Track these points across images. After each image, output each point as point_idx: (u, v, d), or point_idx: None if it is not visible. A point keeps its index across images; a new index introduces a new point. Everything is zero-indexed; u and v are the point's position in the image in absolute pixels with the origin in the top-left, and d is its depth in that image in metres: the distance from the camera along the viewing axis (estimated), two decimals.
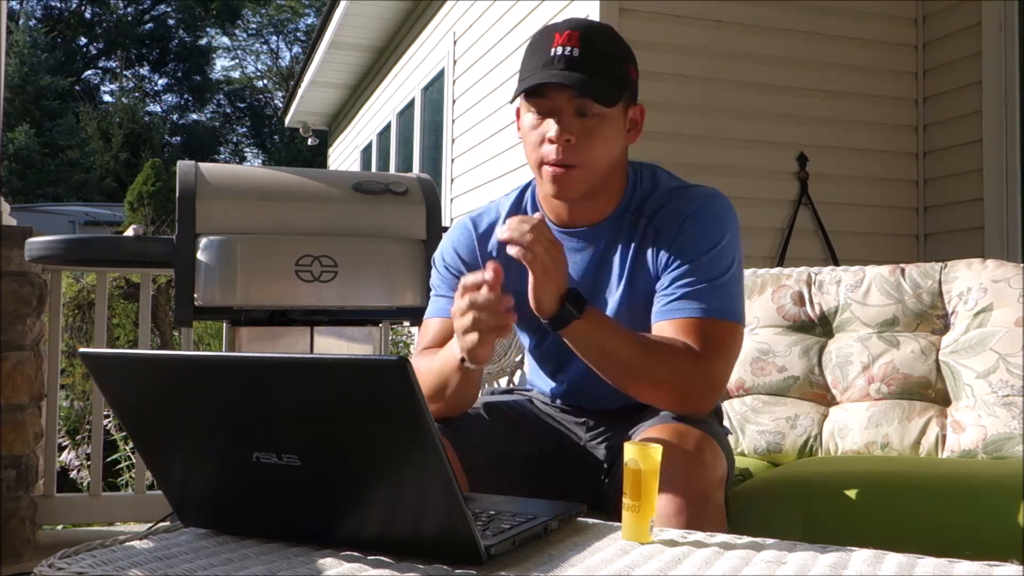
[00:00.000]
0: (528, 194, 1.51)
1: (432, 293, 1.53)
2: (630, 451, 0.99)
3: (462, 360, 1.27)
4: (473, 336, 1.21)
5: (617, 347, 1.29)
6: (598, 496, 1.45)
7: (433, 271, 1.55)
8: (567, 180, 1.35)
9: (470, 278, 1.21)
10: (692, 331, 1.31)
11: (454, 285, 1.35)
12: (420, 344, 1.49)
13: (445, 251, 1.53)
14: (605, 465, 1.45)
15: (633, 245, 1.41)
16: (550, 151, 1.34)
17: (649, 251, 1.39)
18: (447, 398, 1.36)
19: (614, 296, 1.41)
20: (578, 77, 1.31)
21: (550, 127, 1.34)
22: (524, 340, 1.57)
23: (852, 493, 1.49)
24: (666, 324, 1.33)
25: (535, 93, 1.35)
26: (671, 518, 1.16)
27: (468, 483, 1.35)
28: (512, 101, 1.40)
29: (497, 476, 1.39)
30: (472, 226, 1.52)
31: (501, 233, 1.25)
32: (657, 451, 0.99)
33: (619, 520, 1.37)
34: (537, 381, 1.58)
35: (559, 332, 1.27)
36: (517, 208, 1.51)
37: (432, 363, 1.36)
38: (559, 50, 1.33)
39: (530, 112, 1.37)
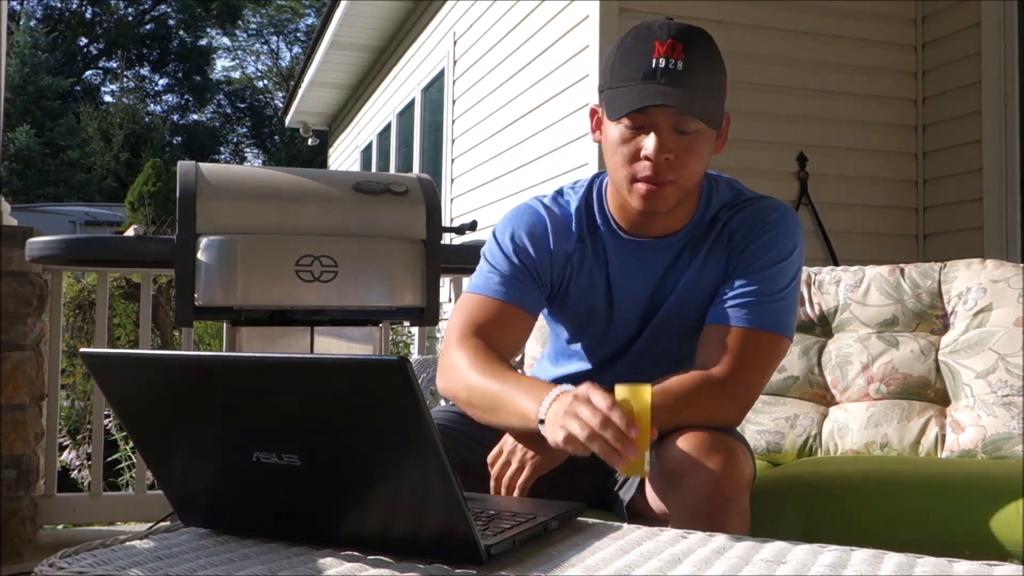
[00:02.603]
0: (596, 196, 1.45)
1: (487, 267, 1.44)
2: (621, 392, 1.04)
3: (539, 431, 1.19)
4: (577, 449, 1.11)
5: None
6: (603, 496, 1.46)
7: (494, 246, 1.45)
8: (660, 197, 1.31)
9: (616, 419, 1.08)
10: (737, 340, 1.32)
11: (519, 272, 1.40)
12: (469, 319, 1.39)
13: (517, 234, 1.43)
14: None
15: (705, 247, 1.39)
16: (645, 167, 1.29)
17: (719, 253, 1.39)
18: (477, 415, 1.32)
19: (678, 291, 1.40)
20: (686, 96, 1.25)
21: (647, 144, 1.28)
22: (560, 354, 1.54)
23: (852, 493, 1.49)
24: (715, 328, 1.34)
25: (639, 111, 1.27)
26: (700, 518, 1.15)
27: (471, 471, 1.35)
28: (614, 118, 1.31)
29: (487, 474, 1.39)
30: (547, 218, 1.44)
31: None
32: (647, 390, 1.04)
33: (623, 520, 1.37)
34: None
35: None
36: (585, 210, 1.45)
37: (491, 384, 1.28)
38: (661, 62, 1.25)
39: (622, 125, 1.30)
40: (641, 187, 1.31)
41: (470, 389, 1.31)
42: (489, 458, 1.29)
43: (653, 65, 1.26)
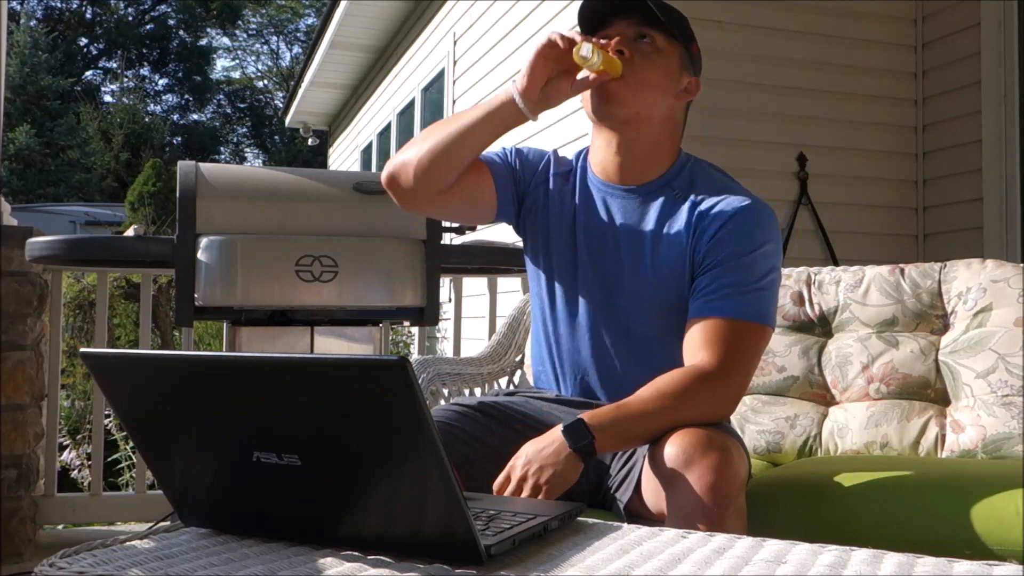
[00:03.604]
0: (580, 159, 1.56)
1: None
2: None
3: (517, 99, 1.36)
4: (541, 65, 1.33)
5: (646, 426, 1.28)
6: (600, 496, 1.46)
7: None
8: (611, 91, 1.39)
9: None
10: (722, 331, 1.34)
11: (504, 164, 1.53)
12: None
13: (521, 148, 1.58)
14: (607, 463, 1.45)
15: (673, 218, 1.43)
16: (608, 61, 1.37)
17: (688, 230, 1.41)
18: (441, 143, 1.42)
19: (645, 260, 1.44)
20: (644, 7, 1.37)
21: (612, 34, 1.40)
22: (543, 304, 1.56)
23: (852, 493, 1.49)
24: (699, 322, 1.36)
25: (600, 24, 1.41)
26: (696, 517, 1.16)
27: (471, 467, 1.36)
28: (583, 33, 1.40)
29: (489, 471, 1.40)
30: (552, 156, 1.58)
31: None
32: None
33: (620, 520, 1.37)
34: (542, 365, 1.58)
35: (593, 456, 1.25)
36: (568, 168, 1.56)
37: (457, 116, 1.44)
38: None
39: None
40: (601, 87, 1.39)
41: (436, 130, 1.45)
42: (496, 484, 1.27)
43: None
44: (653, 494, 1.28)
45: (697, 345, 1.35)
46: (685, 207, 1.43)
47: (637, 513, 1.36)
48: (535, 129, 4.15)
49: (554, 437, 1.25)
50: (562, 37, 1.33)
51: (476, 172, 1.49)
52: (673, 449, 1.23)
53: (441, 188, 1.45)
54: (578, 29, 1.39)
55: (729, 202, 1.41)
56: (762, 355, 1.43)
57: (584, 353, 1.50)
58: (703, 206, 1.42)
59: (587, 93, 1.42)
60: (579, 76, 1.36)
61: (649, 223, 1.45)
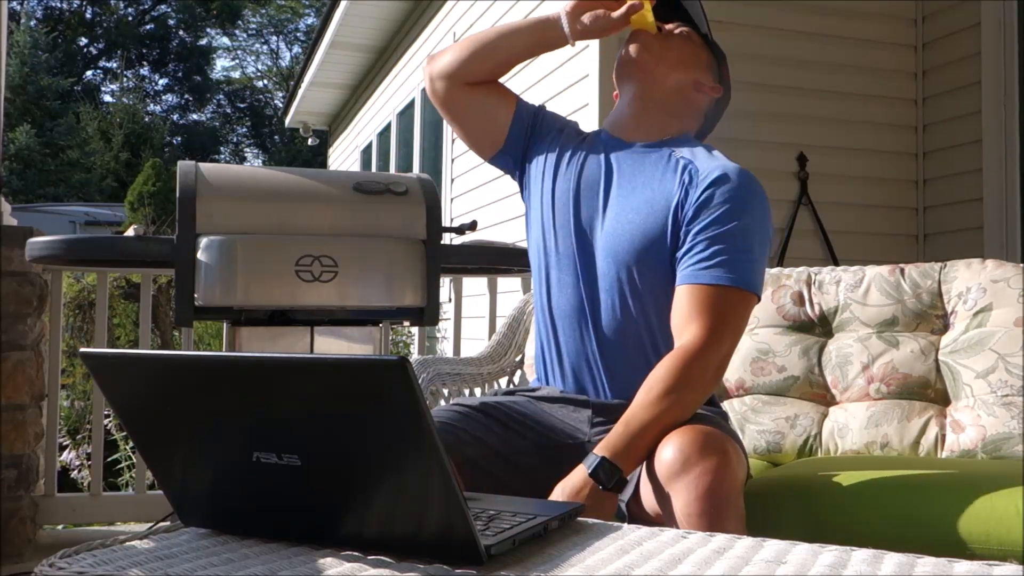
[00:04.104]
0: (597, 131, 1.64)
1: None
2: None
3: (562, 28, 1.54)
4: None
5: (658, 431, 1.28)
6: None
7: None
8: (644, 38, 1.54)
9: None
10: (710, 298, 1.36)
11: (528, 107, 1.64)
12: None
13: (552, 112, 1.68)
14: None
15: (665, 172, 1.48)
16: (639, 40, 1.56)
17: (676, 184, 1.45)
18: (483, 39, 1.58)
19: (630, 204, 1.49)
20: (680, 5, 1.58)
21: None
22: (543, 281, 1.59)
23: (852, 493, 1.49)
24: (688, 289, 1.38)
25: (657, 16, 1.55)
26: (694, 518, 1.16)
27: (474, 467, 1.36)
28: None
29: (489, 471, 1.40)
30: (574, 124, 1.67)
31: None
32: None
33: (621, 520, 1.37)
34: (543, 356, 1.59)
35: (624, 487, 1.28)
36: (584, 134, 1.64)
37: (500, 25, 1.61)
38: None
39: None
40: (641, 37, 1.56)
41: (468, 37, 1.61)
42: None
43: None
44: (651, 496, 1.28)
45: (687, 314, 1.36)
46: (679, 164, 1.48)
47: (635, 515, 1.36)
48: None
49: (583, 480, 1.24)
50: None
51: (503, 93, 1.64)
52: (671, 452, 1.23)
53: (471, 79, 1.60)
54: None
55: (720, 165, 1.46)
56: (746, 322, 1.43)
57: (572, 296, 1.52)
58: (697, 165, 1.47)
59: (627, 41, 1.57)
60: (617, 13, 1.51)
61: (639, 172, 1.51)
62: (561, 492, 1.26)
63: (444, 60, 1.61)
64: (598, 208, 1.51)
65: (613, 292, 1.47)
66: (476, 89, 1.61)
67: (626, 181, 1.51)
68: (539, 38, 1.57)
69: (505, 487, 1.35)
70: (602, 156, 1.55)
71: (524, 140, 1.62)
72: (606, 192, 1.52)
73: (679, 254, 1.41)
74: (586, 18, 1.51)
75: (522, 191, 1.67)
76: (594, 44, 3.54)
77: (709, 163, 1.46)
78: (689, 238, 1.40)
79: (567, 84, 3.82)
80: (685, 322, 1.36)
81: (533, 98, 4.28)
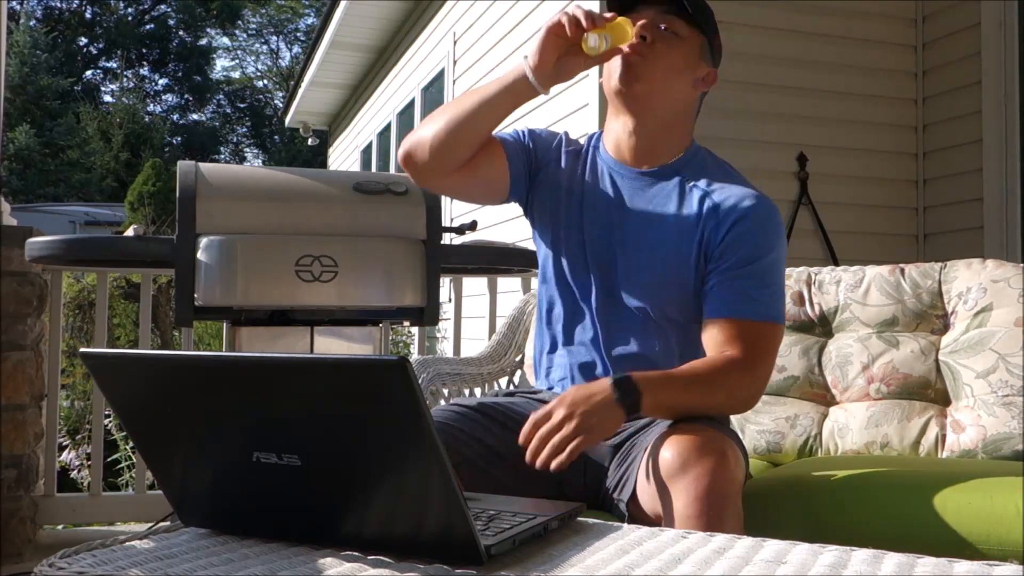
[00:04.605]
0: (592, 140, 1.59)
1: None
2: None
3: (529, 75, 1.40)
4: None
5: (684, 400, 1.34)
6: (598, 496, 1.45)
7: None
8: (634, 68, 1.43)
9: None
10: (748, 332, 1.39)
11: (517, 143, 1.55)
12: None
13: (533, 128, 1.62)
14: (606, 464, 1.45)
15: (683, 202, 1.47)
16: (633, 41, 1.42)
17: (698, 218, 1.44)
18: (456, 118, 1.45)
19: (650, 238, 1.47)
20: None
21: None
22: (554, 305, 1.57)
23: (852, 493, 1.49)
24: (724, 321, 1.40)
25: (629, 8, 1.45)
26: (692, 519, 1.16)
27: (472, 467, 1.36)
28: (611, 10, 1.43)
29: (487, 472, 1.39)
30: (564, 136, 1.61)
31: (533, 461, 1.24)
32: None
33: (620, 520, 1.37)
34: (545, 362, 1.59)
35: (637, 412, 1.29)
36: (580, 147, 1.59)
37: (471, 91, 1.46)
38: None
39: None
40: (619, 61, 1.44)
41: (436, 115, 1.47)
42: (535, 418, 1.26)
43: None
44: (650, 497, 1.28)
45: (722, 341, 1.39)
46: (696, 194, 1.46)
47: (634, 516, 1.36)
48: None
49: (603, 387, 1.27)
50: (570, 22, 1.35)
51: (490, 149, 1.52)
52: (669, 452, 1.23)
53: (457, 164, 1.48)
54: (583, 10, 1.39)
55: (742, 198, 1.44)
56: (777, 352, 1.48)
57: (586, 330, 1.51)
58: (716, 196, 1.45)
59: (608, 69, 1.48)
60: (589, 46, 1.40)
61: (656, 204, 1.48)
62: (575, 391, 1.27)
63: (423, 156, 1.47)
64: (614, 241, 1.49)
65: (634, 322, 1.48)
66: (464, 167, 1.50)
67: (641, 213, 1.49)
68: (512, 100, 1.44)
69: (503, 487, 1.35)
70: (610, 185, 1.52)
71: (527, 180, 1.57)
72: (621, 224, 1.49)
73: (707, 287, 1.43)
74: (551, 71, 1.39)
75: (529, 217, 1.61)
76: None
77: (726, 192, 1.45)
78: (717, 275, 1.42)
79: (567, 84, 3.81)
80: (720, 347, 1.40)
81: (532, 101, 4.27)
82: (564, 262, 1.54)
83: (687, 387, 1.34)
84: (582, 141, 1.61)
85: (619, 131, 1.52)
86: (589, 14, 1.35)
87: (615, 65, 1.46)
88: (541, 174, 1.56)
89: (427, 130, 1.47)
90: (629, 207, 1.50)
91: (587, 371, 1.51)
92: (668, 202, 1.48)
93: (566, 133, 1.63)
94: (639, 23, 1.43)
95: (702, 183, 1.47)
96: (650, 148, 1.50)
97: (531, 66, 1.39)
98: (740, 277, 1.41)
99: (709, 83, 1.51)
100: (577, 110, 3.70)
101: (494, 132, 1.52)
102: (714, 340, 1.40)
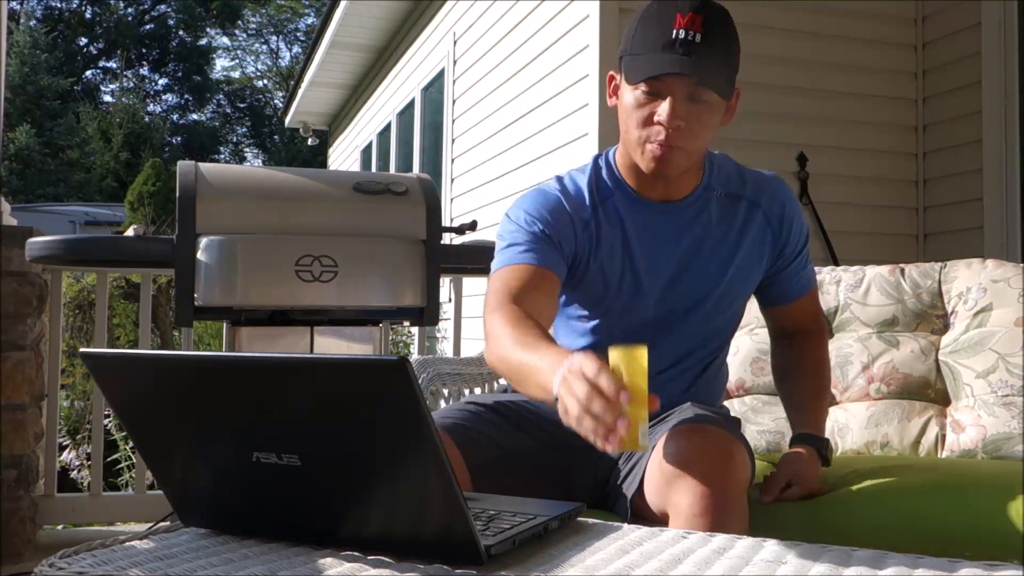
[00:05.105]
0: (604, 165, 1.51)
1: (506, 244, 1.44)
2: (615, 356, 0.93)
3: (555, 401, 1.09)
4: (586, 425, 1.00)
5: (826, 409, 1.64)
6: (605, 493, 1.45)
7: (510, 225, 1.45)
8: (669, 160, 1.37)
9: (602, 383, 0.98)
10: (812, 301, 1.63)
11: (540, 239, 1.41)
12: (503, 288, 1.38)
13: (533, 208, 1.44)
14: (616, 458, 1.45)
15: (736, 224, 1.50)
16: (658, 132, 1.36)
17: (758, 232, 1.51)
18: (506, 378, 1.38)
19: (715, 265, 1.49)
20: (701, 67, 1.32)
21: (662, 109, 1.34)
22: (574, 326, 1.54)
23: (852, 493, 1.49)
24: (801, 301, 1.60)
25: (654, 78, 1.35)
26: (697, 518, 1.16)
27: (472, 482, 1.34)
28: (632, 83, 1.36)
29: (502, 474, 1.39)
30: (560, 194, 1.47)
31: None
32: (642, 354, 0.92)
33: (624, 514, 1.37)
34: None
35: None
36: (596, 180, 1.49)
37: (521, 356, 1.22)
38: (681, 33, 1.32)
39: (638, 90, 1.36)
40: (653, 149, 1.37)
41: (503, 360, 1.30)
42: (772, 486, 1.44)
43: (673, 36, 1.32)
44: (656, 494, 1.28)
45: (803, 315, 1.61)
46: (741, 207, 1.50)
47: (639, 511, 1.36)
48: (540, 153, 4.16)
49: (815, 459, 1.47)
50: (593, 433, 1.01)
51: (547, 284, 1.40)
52: (675, 449, 1.23)
53: None
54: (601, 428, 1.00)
55: (780, 194, 1.54)
56: None
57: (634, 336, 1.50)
58: (764, 203, 1.51)
59: (634, 140, 1.39)
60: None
61: (713, 229, 1.49)
62: (799, 469, 1.45)
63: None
64: (681, 284, 1.47)
65: (683, 343, 1.52)
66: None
67: (705, 249, 1.47)
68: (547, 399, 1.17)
69: (509, 484, 1.35)
70: (656, 227, 1.46)
71: (567, 264, 1.46)
72: (685, 267, 1.47)
73: (780, 276, 1.56)
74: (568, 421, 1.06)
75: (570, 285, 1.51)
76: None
77: (765, 194, 1.52)
78: (789, 261, 1.55)
79: (567, 84, 3.82)
80: (811, 320, 1.62)
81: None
82: (603, 319, 1.50)
83: (825, 398, 1.62)
84: (576, 178, 1.49)
85: (642, 175, 1.45)
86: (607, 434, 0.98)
87: (644, 144, 1.38)
88: (580, 260, 1.47)
89: (489, 353, 1.35)
90: (693, 243, 1.48)
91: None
92: (726, 231, 1.49)
93: (559, 188, 1.48)
94: (668, 117, 1.33)
95: (747, 195, 1.51)
96: (679, 181, 1.46)
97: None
98: (805, 257, 1.57)
99: (735, 104, 1.46)
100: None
101: (533, 262, 1.39)
102: (804, 314, 1.61)
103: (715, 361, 1.57)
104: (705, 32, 1.32)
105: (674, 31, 1.32)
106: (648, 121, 1.37)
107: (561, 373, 1.04)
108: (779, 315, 1.63)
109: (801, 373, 1.60)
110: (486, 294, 1.42)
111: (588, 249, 1.46)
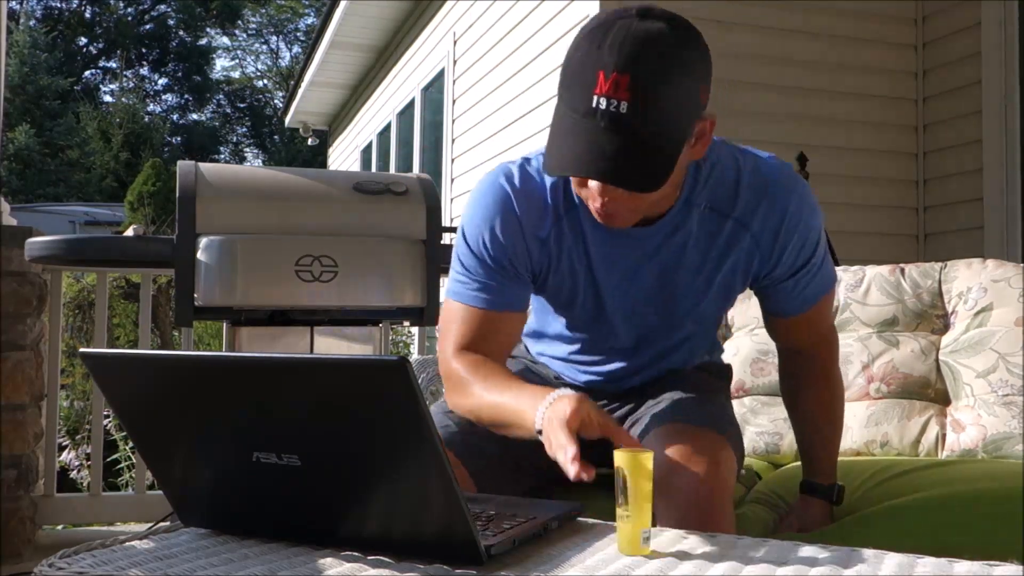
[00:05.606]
0: (563, 196, 1.32)
1: (460, 269, 1.34)
2: (620, 458, 0.95)
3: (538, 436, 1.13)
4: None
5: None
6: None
7: (463, 246, 1.34)
8: (613, 221, 1.21)
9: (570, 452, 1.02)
10: (818, 315, 1.42)
11: (495, 273, 1.30)
12: (460, 334, 1.33)
13: (486, 228, 1.31)
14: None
15: (719, 242, 1.31)
16: (594, 199, 1.19)
17: (743, 254, 1.31)
18: (487, 427, 1.30)
19: (692, 292, 1.35)
20: (622, 162, 1.09)
21: (591, 186, 1.17)
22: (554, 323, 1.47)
23: (852, 494, 1.49)
24: (800, 318, 1.40)
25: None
26: (688, 524, 1.15)
27: (476, 485, 1.34)
28: (545, 168, 1.18)
29: (507, 468, 1.37)
30: (515, 201, 1.30)
31: None
32: (648, 458, 0.95)
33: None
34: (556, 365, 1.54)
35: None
36: (563, 185, 1.30)
37: (494, 399, 1.23)
38: (603, 102, 1.07)
39: None
40: (596, 208, 1.20)
41: (476, 409, 1.29)
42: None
43: (593, 104, 1.08)
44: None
45: (817, 336, 1.45)
46: (727, 226, 1.30)
47: None
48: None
49: (824, 509, 1.46)
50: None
51: (507, 324, 1.35)
52: (664, 455, 1.22)
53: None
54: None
55: (777, 206, 1.30)
56: None
57: (613, 357, 1.47)
58: (758, 228, 1.30)
59: (583, 193, 1.22)
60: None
61: (691, 247, 1.32)
62: (803, 517, 1.44)
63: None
64: (637, 304, 1.37)
65: (669, 343, 1.46)
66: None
67: (679, 268, 1.33)
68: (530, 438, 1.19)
69: (518, 478, 1.35)
70: (625, 245, 1.32)
71: (529, 277, 1.37)
72: (659, 287, 1.35)
73: (766, 286, 1.37)
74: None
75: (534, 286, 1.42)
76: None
77: (758, 211, 1.30)
78: (784, 277, 1.35)
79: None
80: (818, 340, 1.45)
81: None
82: (574, 325, 1.44)
83: (838, 433, 1.51)
84: (549, 194, 1.31)
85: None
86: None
87: (588, 200, 1.21)
88: (540, 274, 1.36)
89: (457, 400, 1.34)
90: (667, 259, 1.33)
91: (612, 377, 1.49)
92: (705, 250, 1.32)
93: (515, 193, 1.31)
94: (596, 193, 1.16)
95: (735, 214, 1.30)
96: (647, 211, 1.26)
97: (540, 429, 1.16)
98: (807, 272, 1.34)
99: (709, 132, 1.21)
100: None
101: (488, 307, 1.32)
102: (793, 336, 1.45)
103: (701, 346, 1.53)
104: (634, 98, 1.07)
105: (595, 97, 1.08)
106: (582, 183, 1.19)
107: (546, 409, 1.11)
108: (778, 328, 1.45)
109: (805, 411, 1.47)
110: (441, 322, 1.38)
111: (546, 266, 1.34)
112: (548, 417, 1.10)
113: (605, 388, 1.50)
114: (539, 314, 1.51)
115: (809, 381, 1.47)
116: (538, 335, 1.55)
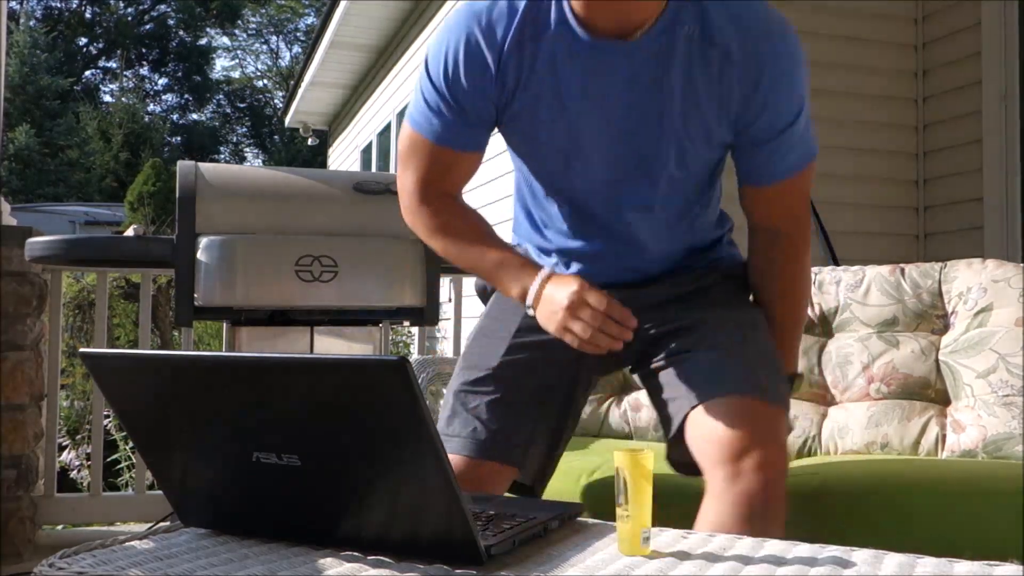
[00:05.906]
0: (551, 7, 1.26)
1: (422, 98, 1.34)
2: (620, 458, 0.94)
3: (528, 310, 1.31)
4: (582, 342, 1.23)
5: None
6: (638, 362, 1.43)
7: (424, 76, 1.33)
8: None
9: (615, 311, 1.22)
10: (796, 187, 1.36)
11: (453, 111, 1.31)
12: (421, 169, 1.38)
13: (447, 58, 1.29)
14: (655, 346, 1.39)
15: (694, 70, 1.24)
16: None
17: (715, 82, 1.24)
18: (462, 264, 1.42)
19: (670, 117, 1.27)
20: None
21: None
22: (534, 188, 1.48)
23: (852, 493, 1.49)
24: (776, 186, 1.34)
25: None
26: (741, 526, 1.13)
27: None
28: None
29: (545, 409, 1.40)
30: (479, 33, 1.27)
31: None
32: (648, 458, 0.94)
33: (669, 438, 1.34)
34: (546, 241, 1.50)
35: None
36: (536, 11, 1.26)
37: (478, 259, 1.39)
38: None
39: None
40: None
41: (448, 253, 1.43)
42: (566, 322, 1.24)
43: None
44: (699, 452, 1.26)
45: (778, 210, 1.38)
46: (705, 51, 1.24)
47: (680, 458, 1.33)
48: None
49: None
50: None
51: (463, 163, 1.40)
52: (720, 433, 1.21)
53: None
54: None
55: (762, 36, 1.26)
56: None
57: (590, 239, 1.42)
58: (733, 48, 1.24)
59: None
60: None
61: (674, 80, 1.25)
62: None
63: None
64: (632, 137, 1.30)
65: (652, 213, 1.37)
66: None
67: (658, 99, 1.26)
68: (502, 287, 1.37)
69: (559, 415, 1.42)
70: (606, 72, 1.26)
71: (491, 118, 1.36)
72: (638, 116, 1.28)
73: (748, 143, 1.31)
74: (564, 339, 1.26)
75: (503, 131, 1.41)
76: None
77: (738, 33, 1.24)
78: (763, 136, 1.29)
79: None
80: (790, 219, 1.39)
81: None
82: (551, 180, 1.42)
83: (802, 316, 1.47)
84: (516, 18, 1.26)
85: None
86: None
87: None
88: (506, 109, 1.32)
89: (426, 238, 1.44)
90: (649, 98, 1.26)
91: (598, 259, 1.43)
92: (688, 81, 1.24)
93: (476, 22, 1.28)
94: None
95: (711, 36, 1.24)
96: (628, 7, 1.22)
97: (533, 308, 1.30)
98: (789, 134, 1.29)
99: None
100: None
101: (445, 144, 1.35)
102: (767, 209, 1.37)
103: (694, 210, 1.42)
104: None
105: None
106: None
107: (539, 288, 1.28)
108: (756, 200, 1.37)
109: (774, 292, 1.43)
110: (400, 149, 1.42)
111: (512, 90, 1.29)
112: (547, 308, 1.26)
113: (625, 280, 1.41)
114: (522, 204, 1.55)
115: (781, 262, 1.41)
116: (532, 218, 1.54)
